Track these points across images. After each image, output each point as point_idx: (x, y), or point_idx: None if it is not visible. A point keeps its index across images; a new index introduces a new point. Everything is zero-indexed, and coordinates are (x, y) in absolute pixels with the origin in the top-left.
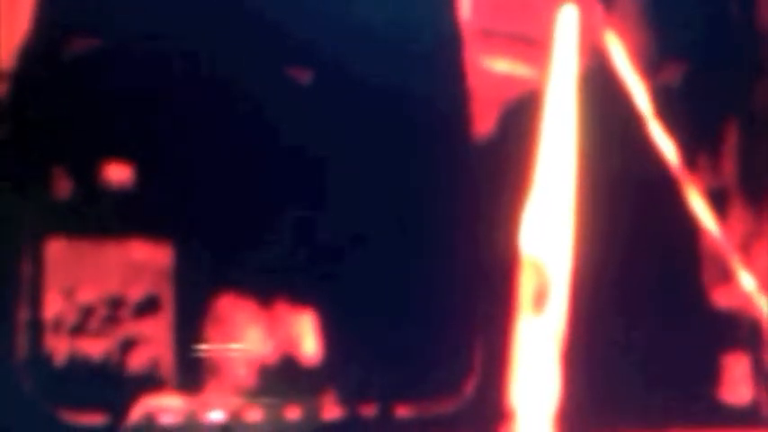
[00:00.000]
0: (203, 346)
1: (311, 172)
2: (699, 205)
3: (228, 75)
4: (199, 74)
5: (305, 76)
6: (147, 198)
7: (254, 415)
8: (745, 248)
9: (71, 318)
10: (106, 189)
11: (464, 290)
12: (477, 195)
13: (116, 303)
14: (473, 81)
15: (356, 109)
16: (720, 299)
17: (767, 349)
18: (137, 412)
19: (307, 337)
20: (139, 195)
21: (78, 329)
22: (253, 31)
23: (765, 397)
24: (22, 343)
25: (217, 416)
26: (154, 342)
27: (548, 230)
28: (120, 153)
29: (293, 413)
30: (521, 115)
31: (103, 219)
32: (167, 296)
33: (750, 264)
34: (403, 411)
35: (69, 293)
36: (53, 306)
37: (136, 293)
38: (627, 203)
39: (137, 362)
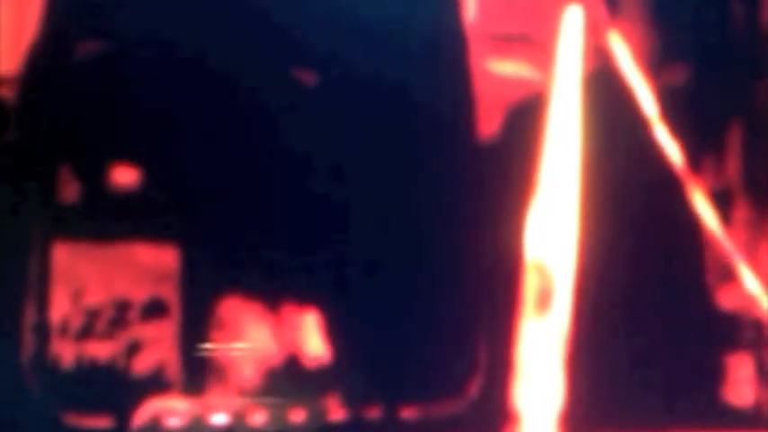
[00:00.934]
0: (209, 348)
1: (316, 174)
2: (703, 206)
3: (234, 77)
4: (205, 77)
5: (310, 78)
6: (153, 201)
7: (259, 416)
8: (749, 250)
9: (77, 320)
10: (113, 192)
11: (468, 291)
12: (482, 197)
13: (122, 306)
14: (478, 83)
15: (361, 111)
16: (724, 300)
17: None
18: (143, 415)
19: (312, 339)
20: (146, 198)
21: (85, 332)
22: (258, 33)
23: None
24: (28, 346)
25: (222, 418)
26: (160, 345)
27: (552, 232)
28: (126, 156)
29: (298, 414)
30: (525, 117)
31: (110, 221)
32: (173, 299)
33: (754, 265)
34: (408, 413)
35: (76, 296)
36: (60, 309)
37: (142, 296)
38: (631, 205)
39: (143, 364)
